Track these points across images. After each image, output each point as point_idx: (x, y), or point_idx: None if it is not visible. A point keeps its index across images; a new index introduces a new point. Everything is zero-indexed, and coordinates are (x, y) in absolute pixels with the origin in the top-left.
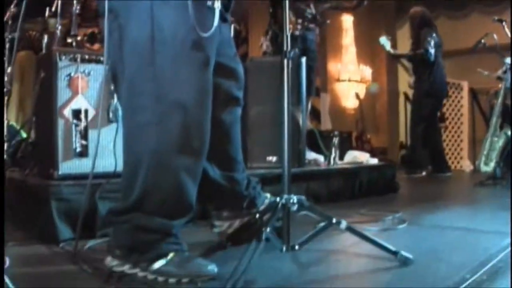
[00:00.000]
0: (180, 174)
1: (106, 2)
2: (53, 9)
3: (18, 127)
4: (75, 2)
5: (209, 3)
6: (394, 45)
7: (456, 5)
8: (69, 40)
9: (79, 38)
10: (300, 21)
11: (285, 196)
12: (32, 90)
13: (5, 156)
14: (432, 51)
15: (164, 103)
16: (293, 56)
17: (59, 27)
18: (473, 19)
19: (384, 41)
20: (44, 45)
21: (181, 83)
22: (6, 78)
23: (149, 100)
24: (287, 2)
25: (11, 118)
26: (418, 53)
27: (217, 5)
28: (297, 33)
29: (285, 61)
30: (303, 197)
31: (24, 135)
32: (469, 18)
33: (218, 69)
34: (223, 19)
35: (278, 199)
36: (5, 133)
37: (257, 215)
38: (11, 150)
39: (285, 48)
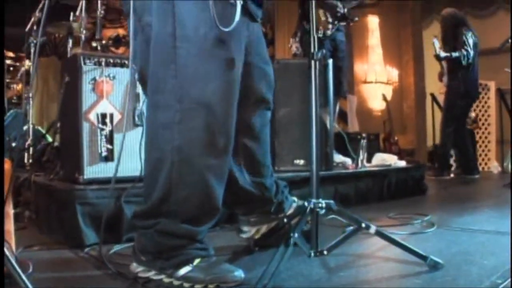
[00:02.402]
0: (204, 173)
1: (132, 3)
2: (77, 13)
3: (43, 131)
4: (99, 6)
5: (232, 0)
6: (420, 45)
7: (482, 3)
8: (94, 44)
9: (104, 42)
10: (330, 20)
11: (313, 200)
12: (58, 93)
13: (30, 160)
14: (471, 52)
15: (187, 101)
16: (320, 57)
17: (84, 31)
18: (499, 18)
19: (437, 43)
20: (68, 49)
21: (204, 81)
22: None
23: (172, 98)
24: (313, 2)
25: (35, 122)
26: (461, 55)
27: (239, 1)
28: (328, 32)
29: (313, 62)
30: (331, 202)
31: (49, 139)
32: (495, 16)
33: (249, 69)
34: (252, 18)
35: (306, 203)
36: (30, 136)
37: (285, 220)
38: (37, 154)
39: (312, 50)
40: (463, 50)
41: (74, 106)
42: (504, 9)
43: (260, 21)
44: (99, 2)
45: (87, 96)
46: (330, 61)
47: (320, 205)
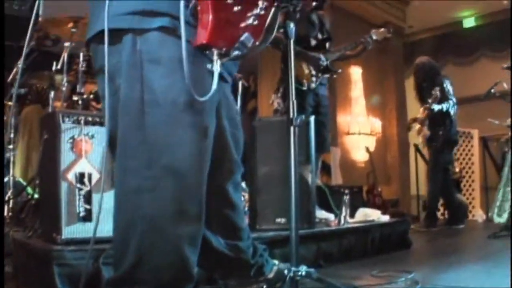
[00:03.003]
0: (176, 242)
1: (106, 68)
2: (59, 65)
3: (24, 183)
4: (81, 60)
5: (209, 66)
6: (403, 94)
7: (463, 51)
8: (75, 98)
9: (85, 96)
10: (314, 72)
11: (293, 268)
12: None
13: (9, 213)
14: (454, 100)
15: (156, 168)
16: (300, 123)
17: (65, 84)
18: (481, 65)
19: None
20: (50, 100)
21: (174, 147)
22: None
23: (140, 164)
24: (292, 64)
25: (17, 173)
26: (449, 105)
27: (216, 68)
28: (312, 85)
29: (292, 128)
30: (312, 270)
31: (30, 191)
32: (477, 64)
33: (221, 134)
34: (224, 80)
35: (286, 271)
36: (11, 189)
37: (265, 285)
38: (16, 208)
39: (291, 115)
40: (450, 101)
41: (52, 165)
42: (487, 57)
43: (231, 78)
44: (81, 55)
45: (66, 155)
46: (312, 118)
47: (300, 273)
